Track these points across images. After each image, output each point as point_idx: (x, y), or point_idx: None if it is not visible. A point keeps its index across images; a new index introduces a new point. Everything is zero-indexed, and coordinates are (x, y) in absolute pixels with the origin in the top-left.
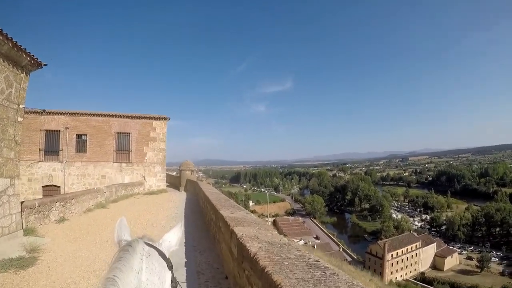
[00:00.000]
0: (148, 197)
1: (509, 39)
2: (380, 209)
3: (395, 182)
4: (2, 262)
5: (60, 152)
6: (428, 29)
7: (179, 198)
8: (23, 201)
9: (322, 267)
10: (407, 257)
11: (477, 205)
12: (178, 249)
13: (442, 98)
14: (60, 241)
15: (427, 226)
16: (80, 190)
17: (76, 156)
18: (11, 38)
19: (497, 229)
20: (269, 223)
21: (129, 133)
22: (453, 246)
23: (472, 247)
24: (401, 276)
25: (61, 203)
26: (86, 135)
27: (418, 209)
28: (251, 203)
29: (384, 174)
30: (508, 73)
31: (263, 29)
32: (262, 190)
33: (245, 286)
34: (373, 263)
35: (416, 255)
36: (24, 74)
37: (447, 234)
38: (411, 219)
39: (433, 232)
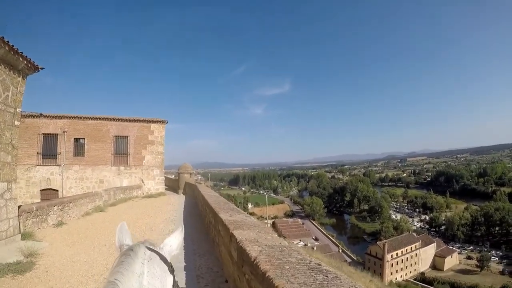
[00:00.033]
0: (146, 201)
1: (509, 39)
2: (379, 210)
3: (394, 183)
4: None
5: (58, 155)
6: (428, 29)
7: (177, 201)
8: (21, 205)
9: (324, 271)
10: (407, 258)
11: (476, 205)
12: (177, 252)
13: (441, 99)
14: (58, 245)
15: (427, 227)
16: (78, 193)
17: (74, 160)
18: (8, 41)
19: (497, 228)
20: (268, 225)
21: (127, 137)
22: (452, 246)
23: (471, 247)
24: (401, 276)
25: (59, 207)
26: (84, 138)
27: (417, 210)
28: (250, 206)
29: (383, 175)
30: (506, 72)
31: (261, 32)
32: (261, 192)
33: None
34: (373, 264)
35: (416, 256)
36: (21, 77)
37: (446, 234)
38: (410, 219)
39: (432, 232)
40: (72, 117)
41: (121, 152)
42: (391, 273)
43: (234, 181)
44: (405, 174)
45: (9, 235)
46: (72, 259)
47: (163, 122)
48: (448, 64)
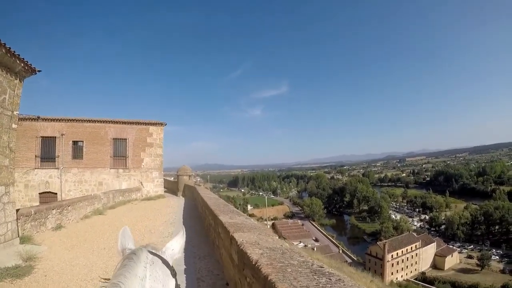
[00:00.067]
0: (145, 203)
1: (509, 38)
2: (379, 210)
3: (393, 183)
4: None
5: (56, 158)
6: (428, 29)
7: (177, 204)
8: (19, 209)
9: (327, 273)
10: (407, 257)
11: (475, 204)
12: (179, 256)
13: (440, 99)
14: (57, 249)
15: (426, 226)
16: (77, 196)
17: (73, 163)
18: (4, 44)
19: (496, 227)
20: (268, 226)
21: (126, 139)
22: (452, 245)
23: (472, 246)
24: (401, 276)
25: (58, 210)
26: (83, 141)
27: (417, 209)
28: (249, 207)
29: (382, 175)
30: (504, 72)
31: (259, 33)
32: (261, 193)
33: None
34: (373, 264)
35: (416, 255)
36: (18, 80)
37: (446, 234)
38: (410, 219)
39: (432, 232)
40: (70, 120)
41: (119, 154)
42: (392, 273)
43: (233, 182)
44: (404, 174)
45: (7, 239)
46: (71, 263)
47: (161, 124)
48: (447, 64)
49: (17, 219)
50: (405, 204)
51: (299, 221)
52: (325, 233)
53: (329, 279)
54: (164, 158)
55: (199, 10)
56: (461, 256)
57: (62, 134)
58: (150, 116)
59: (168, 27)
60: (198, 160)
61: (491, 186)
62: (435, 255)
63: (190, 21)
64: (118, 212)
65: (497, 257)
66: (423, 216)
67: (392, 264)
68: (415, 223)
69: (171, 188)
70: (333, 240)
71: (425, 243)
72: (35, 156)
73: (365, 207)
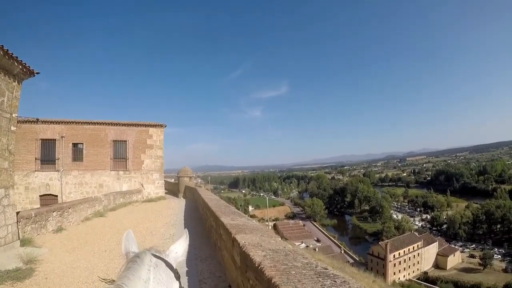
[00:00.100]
0: (146, 205)
1: (509, 38)
2: (380, 210)
3: (394, 183)
4: None
5: (56, 161)
6: (428, 29)
7: (178, 205)
8: (19, 211)
9: (332, 275)
10: (409, 257)
11: (477, 203)
12: (183, 259)
13: (440, 99)
14: (58, 251)
15: (428, 226)
16: (77, 199)
17: (73, 165)
18: (2, 46)
19: (498, 226)
20: (269, 227)
21: (126, 141)
22: (454, 245)
23: (474, 245)
24: (404, 276)
25: (58, 213)
26: (82, 143)
27: (418, 209)
28: (250, 208)
29: (383, 175)
30: (504, 71)
31: (258, 34)
32: (261, 194)
33: None
34: (375, 264)
35: (418, 255)
36: (16, 82)
37: (448, 233)
38: (412, 219)
39: (434, 232)
40: (70, 122)
41: (120, 156)
42: (394, 273)
43: (234, 184)
44: (405, 174)
45: (7, 242)
46: (72, 265)
47: (161, 126)
48: (447, 64)
49: (17, 221)
50: (406, 203)
51: (300, 221)
52: (326, 234)
53: (334, 281)
54: (165, 160)
55: (199, 10)
56: (463, 255)
57: (62, 137)
58: (149, 118)
59: (168, 28)
60: (198, 162)
61: (492, 185)
62: (437, 254)
63: (190, 21)
64: (119, 214)
65: (499, 256)
66: (424, 216)
67: (394, 264)
68: (417, 223)
69: (172, 189)
70: (335, 241)
71: (427, 243)
72: (35, 159)
73: (366, 207)
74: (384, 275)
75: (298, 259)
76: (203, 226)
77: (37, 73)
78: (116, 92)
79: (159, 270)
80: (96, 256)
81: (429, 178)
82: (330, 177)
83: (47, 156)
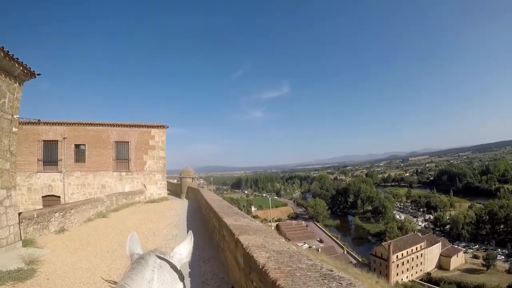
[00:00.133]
0: (149, 206)
1: (508, 37)
2: (383, 210)
3: (397, 183)
4: (0, 274)
5: (59, 162)
6: (428, 29)
7: (180, 206)
8: (21, 212)
9: (337, 277)
10: (413, 258)
11: (480, 203)
12: (187, 261)
13: (441, 98)
14: (60, 252)
15: (431, 226)
16: (80, 199)
17: (75, 166)
18: (2, 47)
19: (502, 226)
20: (272, 227)
21: (128, 142)
22: (458, 245)
23: (477, 246)
24: (407, 277)
25: (61, 213)
26: (85, 144)
27: (421, 209)
28: (253, 209)
29: (385, 175)
30: (506, 70)
31: (258, 34)
32: (264, 195)
33: None
34: (378, 265)
35: (422, 256)
36: (17, 84)
37: (451, 233)
38: (415, 219)
39: (437, 232)
40: (72, 124)
41: (122, 157)
42: (397, 274)
43: (237, 184)
44: (407, 174)
45: (9, 242)
46: (74, 266)
47: (163, 127)
48: (447, 64)
49: (19, 222)
50: (409, 204)
51: (303, 222)
52: (329, 234)
53: (339, 283)
54: (167, 161)
55: (199, 10)
56: (467, 256)
57: (64, 138)
58: (150, 118)
59: (169, 28)
60: (201, 162)
61: (495, 184)
62: (441, 255)
63: (191, 21)
64: (122, 215)
65: (503, 257)
66: (427, 216)
67: (397, 264)
68: (420, 223)
69: (175, 190)
70: (338, 241)
71: (430, 243)
72: (38, 160)
73: (369, 208)
74: (387, 276)
75: (303, 261)
76: (205, 227)
77: (38, 74)
78: (117, 92)
79: (163, 271)
80: (98, 257)
81: (432, 178)
82: (332, 178)
83: (50, 157)
